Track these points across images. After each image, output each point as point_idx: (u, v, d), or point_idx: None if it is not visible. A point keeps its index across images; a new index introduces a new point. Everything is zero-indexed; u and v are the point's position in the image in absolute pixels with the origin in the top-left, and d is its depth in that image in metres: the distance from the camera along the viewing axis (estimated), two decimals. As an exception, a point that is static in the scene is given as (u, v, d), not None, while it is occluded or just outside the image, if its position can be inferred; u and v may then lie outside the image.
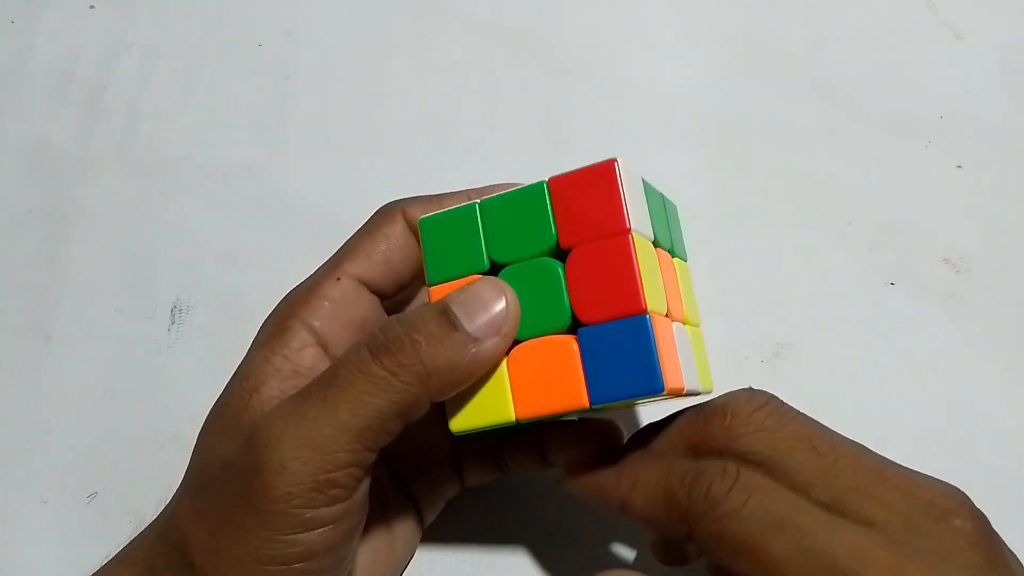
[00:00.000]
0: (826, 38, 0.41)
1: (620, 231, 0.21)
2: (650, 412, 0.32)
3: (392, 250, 0.25)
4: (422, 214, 0.25)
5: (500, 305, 0.22)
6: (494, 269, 0.23)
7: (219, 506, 0.21)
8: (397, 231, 0.25)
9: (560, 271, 0.21)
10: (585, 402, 0.21)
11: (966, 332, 0.33)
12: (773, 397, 0.22)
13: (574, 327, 0.21)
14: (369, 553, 0.26)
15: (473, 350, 0.21)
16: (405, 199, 0.26)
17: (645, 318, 0.20)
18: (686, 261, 0.26)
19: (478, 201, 0.23)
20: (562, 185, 0.22)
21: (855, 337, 0.33)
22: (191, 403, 0.33)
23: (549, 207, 0.22)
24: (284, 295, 0.26)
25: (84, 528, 0.31)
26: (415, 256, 0.26)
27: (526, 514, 0.31)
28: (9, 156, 0.39)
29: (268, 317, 0.25)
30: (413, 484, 0.28)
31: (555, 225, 0.22)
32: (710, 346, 0.33)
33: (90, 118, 0.40)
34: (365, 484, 0.22)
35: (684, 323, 0.24)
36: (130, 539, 0.24)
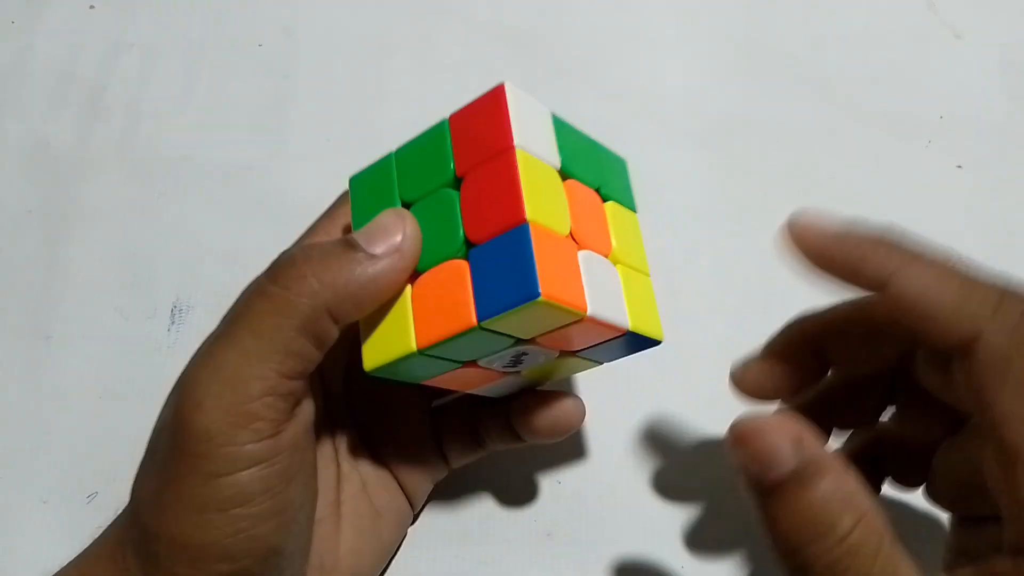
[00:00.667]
0: (826, 38, 0.41)
1: (505, 148, 0.21)
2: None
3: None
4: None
5: (398, 228, 0.21)
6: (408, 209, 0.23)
7: (157, 463, 0.21)
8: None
9: (455, 198, 0.22)
10: (473, 320, 0.20)
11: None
12: None
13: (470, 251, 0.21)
14: (353, 532, 0.26)
15: (371, 268, 0.21)
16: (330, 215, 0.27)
17: (524, 227, 0.20)
18: (634, 212, 0.26)
19: (394, 150, 0.24)
20: (460, 118, 0.23)
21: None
22: (191, 403, 0.33)
23: (448, 141, 0.22)
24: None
25: (84, 528, 0.31)
26: None
27: (526, 515, 0.30)
28: (9, 156, 0.39)
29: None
30: (396, 466, 0.28)
31: (452, 156, 0.22)
32: (710, 345, 0.33)
33: (90, 118, 0.40)
34: (296, 422, 0.21)
35: (615, 262, 0.23)
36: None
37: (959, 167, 0.37)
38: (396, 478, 0.28)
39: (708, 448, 0.32)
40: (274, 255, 0.36)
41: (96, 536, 0.30)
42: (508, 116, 0.21)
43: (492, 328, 0.21)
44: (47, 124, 0.39)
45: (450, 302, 0.21)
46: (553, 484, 0.31)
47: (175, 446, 0.21)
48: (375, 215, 0.22)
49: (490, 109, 0.22)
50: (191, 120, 0.40)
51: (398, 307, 0.22)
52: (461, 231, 0.21)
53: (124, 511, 0.24)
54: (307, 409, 0.22)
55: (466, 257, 0.21)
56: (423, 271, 0.22)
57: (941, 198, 0.36)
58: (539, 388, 0.27)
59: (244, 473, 0.20)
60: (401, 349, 0.21)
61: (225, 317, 0.22)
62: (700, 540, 0.30)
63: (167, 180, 0.38)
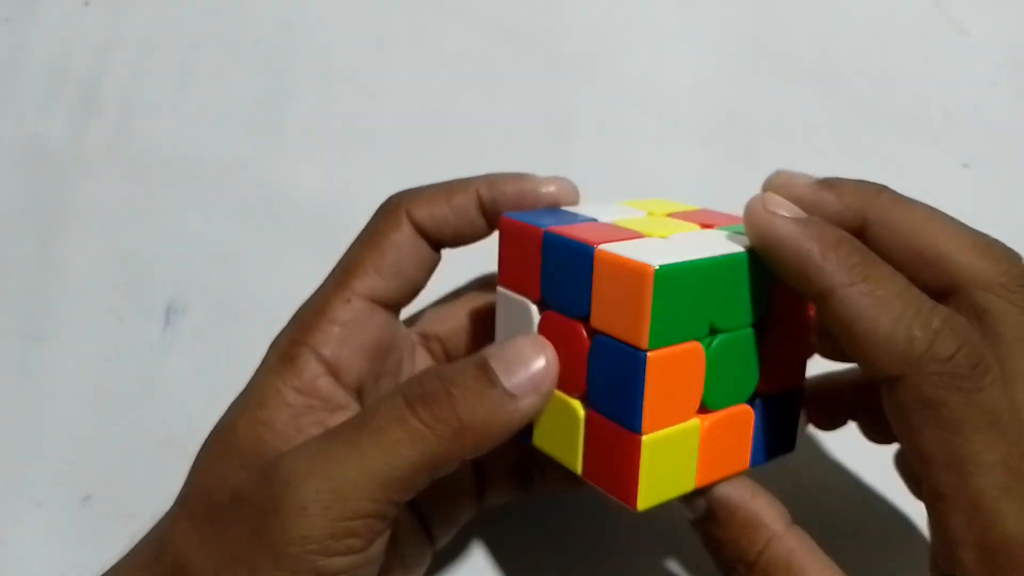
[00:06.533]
0: (831, 35, 0.40)
1: (807, 318, 0.22)
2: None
3: (403, 261, 0.24)
4: (427, 209, 0.24)
5: (540, 363, 0.21)
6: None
7: (228, 539, 0.20)
8: (404, 238, 0.24)
9: (755, 343, 0.21)
10: (747, 465, 0.22)
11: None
12: None
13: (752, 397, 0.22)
14: None
15: (510, 408, 0.20)
16: (408, 192, 0.25)
17: (800, 390, 0.23)
18: None
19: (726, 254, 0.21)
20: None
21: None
22: (186, 405, 0.33)
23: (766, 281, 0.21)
24: (292, 303, 0.25)
25: (78, 531, 0.31)
26: (426, 260, 0.25)
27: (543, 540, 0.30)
28: (2, 154, 0.39)
29: (277, 338, 0.24)
30: (426, 502, 0.26)
31: (772, 300, 0.21)
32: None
33: (84, 116, 0.39)
34: (383, 538, 0.21)
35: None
36: (125, 540, 0.24)
37: (965, 166, 0.37)
38: (422, 516, 0.26)
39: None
40: (271, 254, 0.36)
41: (90, 540, 0.30)
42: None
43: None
44: (40, 122, 0.39)
45: (732, 445, 0.21)
46: (572, 514, 0.30)
47: (260, 534, 0.20)
48: (679, 332, 0.20)
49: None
50: (186, 117, 0.39)
51: (681, 443, 0.21)
52: (757, 378, 0.21)
53: (147, 554, 0.22)
54: (393, 524, 0.22)
55: (752, 404, 0.22)
56: (714, 408, 0.21)
57: (947, 197, 0.36)
58: None
59: None
60: (681, 489, 0.21)
61: (352, 422, 0.21)
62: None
63: (162, 178, 0.38)
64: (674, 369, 0.20)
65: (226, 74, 0.40)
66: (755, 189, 0.37)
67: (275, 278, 0.35)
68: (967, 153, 0.37)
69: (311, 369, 0.23)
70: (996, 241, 0.22)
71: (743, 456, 0.22)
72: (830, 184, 0.23)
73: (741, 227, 0.21)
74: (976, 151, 0.37)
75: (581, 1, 0.42)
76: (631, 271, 0.19)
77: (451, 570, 0.30)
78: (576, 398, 0.21)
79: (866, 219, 0.22)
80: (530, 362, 0.21)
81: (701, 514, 0.22)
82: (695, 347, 0.20)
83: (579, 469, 0.21)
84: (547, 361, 0.21)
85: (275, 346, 0.24)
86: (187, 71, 0.40)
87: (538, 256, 0.21)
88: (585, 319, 0.20)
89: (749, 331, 0.21)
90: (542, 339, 0.21)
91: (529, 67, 0.40)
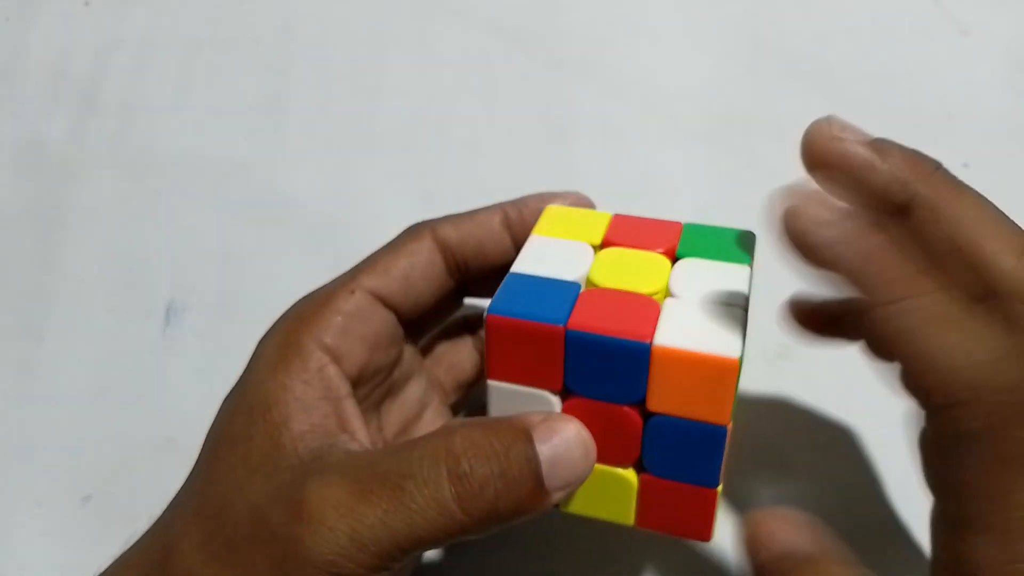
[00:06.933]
0: (831, 35, 0.40)
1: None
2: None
3: (414, 268, 0.24)
4: (454, 233, 0.24)
5: (585, 469, 0.21)
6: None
7: (243, 563, 0.20)
8: (423, 248, 0.25)
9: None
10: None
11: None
12: None
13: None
14: None
15: (545, 503, 0.21)
16: (435, 219, 0.25)
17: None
18: None
19: None
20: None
21: (860, 338, 0.33)
22: (186, 405, 0.33)
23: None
24: (291, 304, 0.25)
25: (78, 531, 0.31)
26: (438, 276, 0.25)
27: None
28: (2, 154, 0.39)
29: (273, 328, 0.24)
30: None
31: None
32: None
33: (84, 116, 0.39)
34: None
35: None
36: (125, 540, 0.24)
37: (965, 166, 0.37)
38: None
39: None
40: (270, 254, 0.36)
41: (90, 540, 0.30)
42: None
43: None
44: (41, 122, 0.39)
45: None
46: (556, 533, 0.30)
47: (280, 568, 0.20)
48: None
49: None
50: (186, 118, 0.39)
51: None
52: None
53: (149, 557, 0.22)
54: None
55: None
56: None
57: (947, 197, 0.36)
58: None
59: None
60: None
61: (389, 478, 0.20)
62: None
63: (162, 179, 0.38)
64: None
65: (226, 74, 0.40)
66: (755, 189, 0.37)
67: (275, 278, 0.35)
68: (967, 153, 0.37)
69: (317, 358, 0.23)
70: None
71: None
72: (883, 148, 0.21)
73: (685, 236, 0.23)
74: (976, 151, 0.37)
75: (581, 1, 0.42)
76: (710, 365, 0.20)
77: (452, 570, 0.30)
78: (623, 467, 0.22)
79: (915, 197, 0.20)
80: (579, 469, 0.21)
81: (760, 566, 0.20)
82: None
83: (631, 522, 0.23)
84: (589, 464, 0.21)
85: (273, 335, 0.24)
86: (187, 71, 0.40)
87: (559, 352, 0.21)
88: (638, 404, 0.21)
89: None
90: (588, 438, 0.21)
91: (529, 67, 0.40)
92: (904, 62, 0.40)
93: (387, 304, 0.24)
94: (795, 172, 0.37)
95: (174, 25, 0.42)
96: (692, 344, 0.20)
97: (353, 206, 0.37)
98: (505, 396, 0.22)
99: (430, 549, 0.20)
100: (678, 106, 0.39)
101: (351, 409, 0.23)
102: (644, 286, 0.22)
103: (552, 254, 0.23)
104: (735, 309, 0.21)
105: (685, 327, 0.20)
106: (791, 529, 0.20)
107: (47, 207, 0.37)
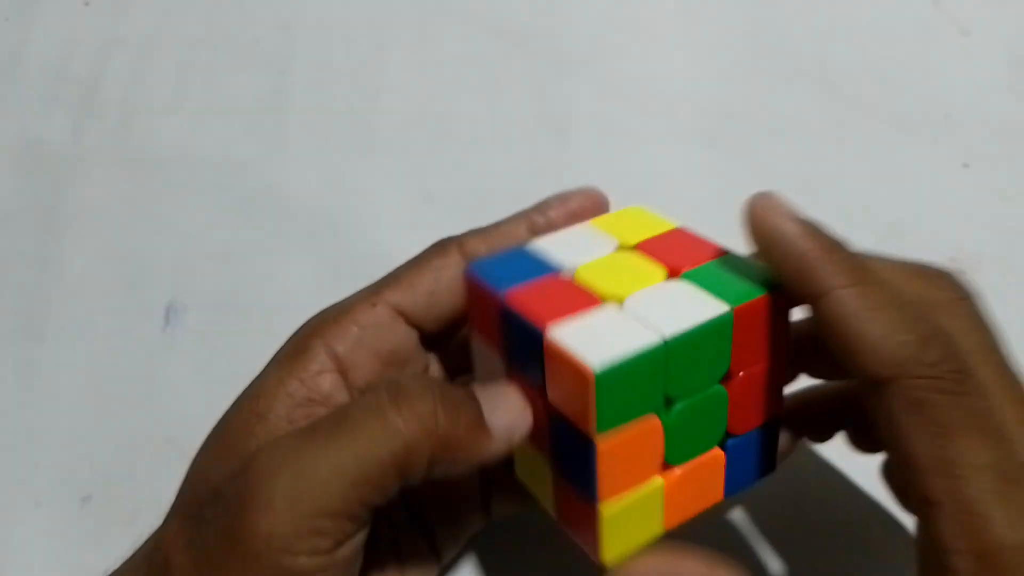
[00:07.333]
0: (831, 35, 0.40)
1: (770, 357, 0.22)
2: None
3: (440, 283, 0.24)
4: (483, 246, 0.24)
5: (523, 415, 0.21)
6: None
7: (204, 537, 0.20)
8: (450, 264, 0.24)
9: (725, 397, 0.21)
10: (720, 498, 0.22)
11: (973, 333, 0.33)
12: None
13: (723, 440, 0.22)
14: None
15: (484, 441, 0.20)
16: (460, 234, 0.25)
17: (778, 419, 0.23)
18: None
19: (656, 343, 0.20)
20: (743, 315, 0.21)
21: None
22: (186, 405, 0.33)
23: (729, 340, 0.21)
24: (299, 307, 0.25)
25: (78, 531, 0.31)
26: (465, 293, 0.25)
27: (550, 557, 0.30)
28: (2, 154, 0.39)
29: (294, 332, 0.24)
30: (432, 516, 0.26)
31: (730, 356, 0.21)
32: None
33: (84, 116, 0.39)
34: (352, 543, 0.20)
35: None
36: (125, 540, 0.24)
37: (965, 166, 0.37)
38: (428, 529, 0.26)
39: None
40: (270, 254, 0.36)
41: (89, 540, 0.30)
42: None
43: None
44: (40, 122, 0.39)
45: (701, 487, 0.22)
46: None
47: (230, 531, 0.20)
48: (630, 412, 0.20)
49: (771, 315, 0.21)
50: (186, 118, 0.39)
51: (643, 502, 0.21)
52: (725, 426, 0.22)
53: (142, 554, 0.22)
54: (366, 529, 0.21)
55: (723, 447, 0.22)
56: (675, 463, 0.21)
57: (948, 197, 0.36)
58: None
59: None
60: (650, 535, 0.21)
61: (331, 416, 0.21)
62: None
63: (162, 178, 0.38)
64: (628, 445, 0.20)
65: (226, 74, 0.40)
66: (755, 189, 0.37)
67: (275, 278, 0.35)
68: (967, 153, 0.37)
69: (319, 362, 0.23)
70: (923, 265, 0.22)
71: (715, 492, 0.22)
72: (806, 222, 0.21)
73: (713, 264, 0.21)
74: (976, 151, 0.37)
75: (581, 1, 0.42)
76: (574, 369, 0.19)
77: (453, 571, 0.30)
78: (543, 454, 0.22)
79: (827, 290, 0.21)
80: (516, 410, 0.21)
81: None
82: (650, 421, 0.20)
83: (553, 514, 0.22)
84: (527, 413, 0.21)
85: (289, 339, 0.24)
86: (187, 71, 0.40)
87: (499, 322, 0.21)
88: (543, 392, 0.21)
89: (711, 391, 0.21)
90: (523, 399, 0.21)
91: (529, 67, 0.40)
92: (904, 62, 0.40)
93: (409, 320, 0.24)
94: (797, 171, 0.37)
95: (174, 25, 0.42)
96: (571, 344, 0.19)
97: (353, 206, 0.37)
98: (479, 354, 0.23)
99: (386, 490, 0.20)
100: (678, 106, 0.39)
101: None
102: (614, 289, 0.21)
103: (573, 241, 0.23)
104: (651, 333, 0.19)
105: (591, 330, 0.20)
106: None
107: (47, 207, 0.37)
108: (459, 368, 0.26)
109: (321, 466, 0.19)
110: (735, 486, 0.22)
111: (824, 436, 0.27)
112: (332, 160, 0.38)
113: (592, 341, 0.19)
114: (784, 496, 0.29)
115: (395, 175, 0.38)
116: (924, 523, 0.19)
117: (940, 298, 0.21)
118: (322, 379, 0.22)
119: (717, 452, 0.21)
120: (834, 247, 0.20)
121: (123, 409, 0.33)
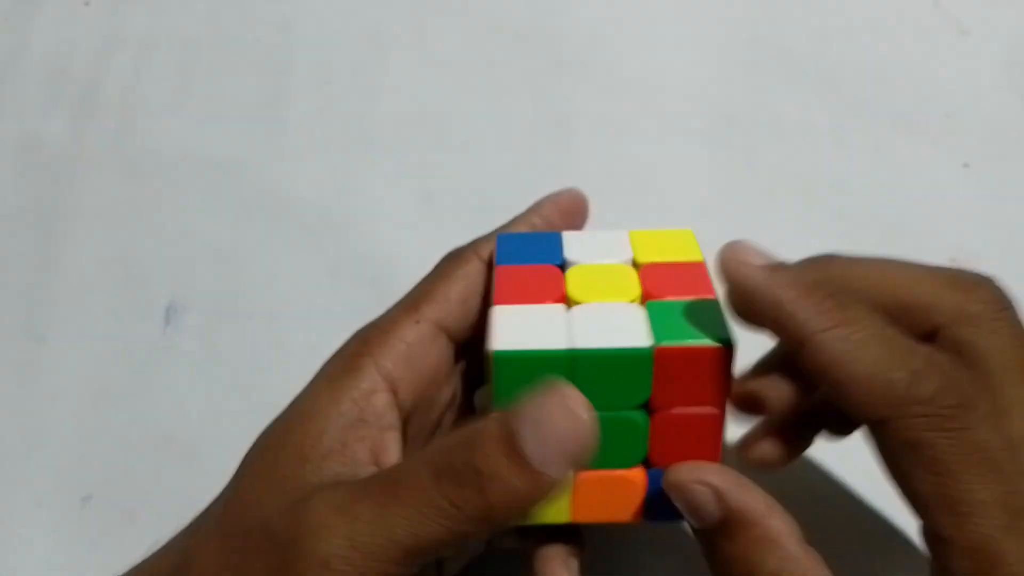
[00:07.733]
0: (831, 35, 0.40)
1: (713, 414, 0.21)
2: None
3: (469, 289, 0.24)
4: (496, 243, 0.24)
5: (579, 451, 0.19)
6: None
7: (249, 568, 0.20)
8: (473, 271, 0.24)
9: (645, 424, 0.21)
10: (637, 520, 0.22)
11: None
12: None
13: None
14: None
15: (539, 484, 0.19)
16: (471, 242, 0.25)
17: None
18: None
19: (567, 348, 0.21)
20: (666, 356, 0.21)
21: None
22: (186, 405, 0.33)
23: (650, 371, 0.21)
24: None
25: (78, 531, 0.31)
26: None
27: None
28: (2, 154, 0.39)
29: (338, 350, 0.24)
30: None
31: (651, 387, 0.21)
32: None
33: (84, 116, 0.39)
34: None
35: None
36: (123, 543, 0.24)
37: (965, 166, 0.37)
38: None
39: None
40: (270, 254, 0.36)
41: (90, 540, 0.30)
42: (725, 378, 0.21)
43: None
44: (41, 122, 0.39)
45: (615, 498, 0.22)
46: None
47: (272, 566, 0.20)
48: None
49: (705, 365, 0.21)
50: (186, 117, 0.39)
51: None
52: (644, 452, 0.22)
53: (169, 562, 0.22)
54: None
55: (644, 468, 0.22)
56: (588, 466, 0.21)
57: (948, 197, 0.36)
58: None
59: None
60: (557, 519, 0.22)
61: (384, 482, 0.20)
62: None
63: (162, 178, 0.38)
64: None
65: (226, 74, 0.40)
66: (755, 189, 0.37)
67: (275, 278, 0.35)
68: (967, 153, 0.37)
69: (371, 381, 0.22)
70: (962, 271, 0.22)
71: (630, 509, 0.22)
72: (778, 269, 0.22)
73: (684, 303, 0.21)
74: (976, 151, 0.37)
75: (581, 1, 0.42)
76: (488, 345, 0.20)
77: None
78: None
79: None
80: (563, 435, 0.19)
81: (711, 524, 0.20)
82: None
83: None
84: (586, 431, 0.19)
85: (336, 355, 0.23)
86: (187, 71, 0.40)
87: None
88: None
89: (624, 413, 0.21)
90: (577, 399, 0.19)
91: (529, 67, 0.40)
92: (904, 62, 0.40)
93: (449, 333, 0.24)
94: (797, 171, 0.37)
95: (174, 25, 0.42)
96: (497, 325, 0.21)
97: (353, 206, 0.37)
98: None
99: (441, 552, 0.20)
100: (678, 106, 0.39)
101: (392, 443, 0.22)
102: (581, 294, 0.22)
103: (597, 243, 0.24)
104: (563, 339, 0.20)
105: (524, 319, 0.21)
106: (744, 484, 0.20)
107: (47, 206, 0.37)
108: (482, 376, 0.26)
109: (376, 534, 0.19)
110: (655, 515, 0.22)
111: (844, 431, 0.26)
112: (332, 160, 0.38)
113: (513, 328, 0.21)
114: (784, 496, 0.29)
115: (395, 175, 0.38)
116: (936, 559, 0.19)
117: (979, 311, 0.20)
118: (375, 399, 0.22)
119: (637, 473, 0.22)
120: (809, 290, 0.20)
121: (123, 409, 0.33)
